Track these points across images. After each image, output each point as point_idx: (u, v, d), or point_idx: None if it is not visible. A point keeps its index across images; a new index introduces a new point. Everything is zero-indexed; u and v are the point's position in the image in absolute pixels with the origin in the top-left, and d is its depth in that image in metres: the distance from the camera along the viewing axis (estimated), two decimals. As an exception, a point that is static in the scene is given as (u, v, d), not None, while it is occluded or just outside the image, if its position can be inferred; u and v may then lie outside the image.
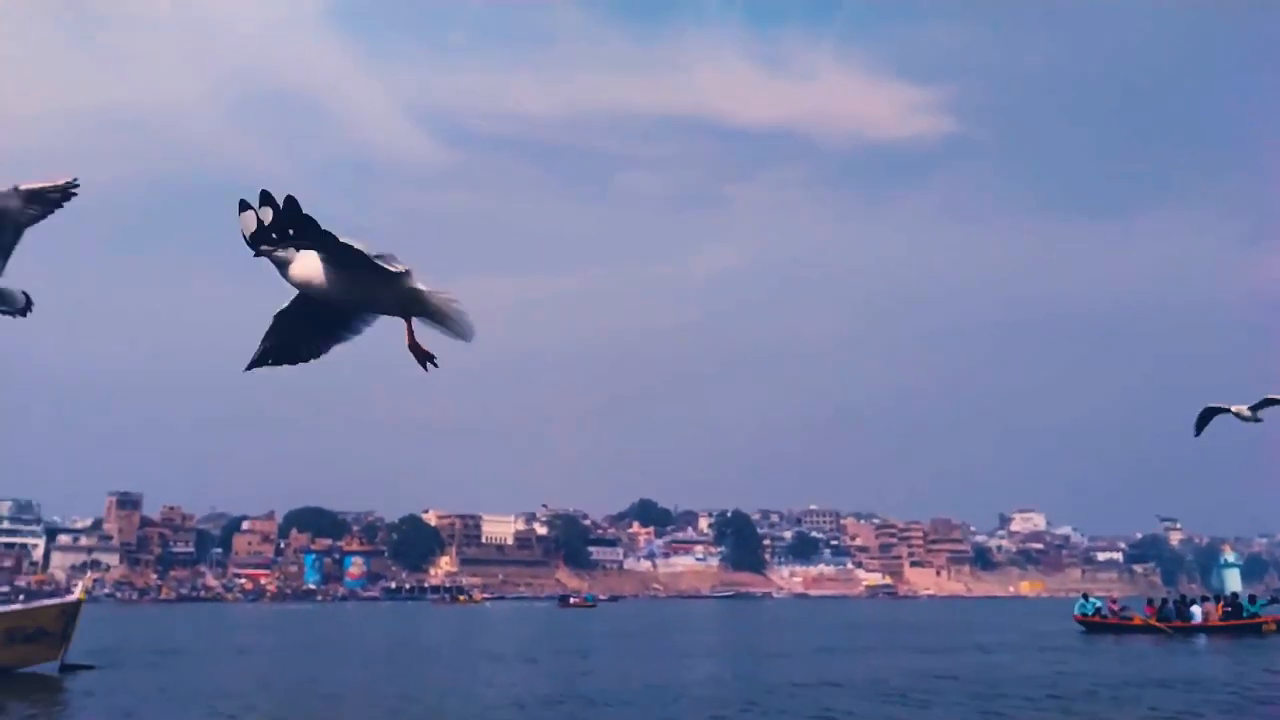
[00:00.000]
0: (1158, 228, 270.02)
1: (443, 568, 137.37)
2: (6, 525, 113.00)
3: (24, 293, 6.12)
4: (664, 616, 55.60)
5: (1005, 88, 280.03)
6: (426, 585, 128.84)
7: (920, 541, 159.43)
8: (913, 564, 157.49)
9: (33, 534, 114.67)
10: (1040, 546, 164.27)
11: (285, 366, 4.55)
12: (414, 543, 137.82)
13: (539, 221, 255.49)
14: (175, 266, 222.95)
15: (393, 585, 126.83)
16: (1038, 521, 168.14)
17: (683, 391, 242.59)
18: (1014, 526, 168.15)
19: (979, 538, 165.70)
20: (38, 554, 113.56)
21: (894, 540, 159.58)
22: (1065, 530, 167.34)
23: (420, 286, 4.34)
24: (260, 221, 3.95)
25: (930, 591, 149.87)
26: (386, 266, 4.09)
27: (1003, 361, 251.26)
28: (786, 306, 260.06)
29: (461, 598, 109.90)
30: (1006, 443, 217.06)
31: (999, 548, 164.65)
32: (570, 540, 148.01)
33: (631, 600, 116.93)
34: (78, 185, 5.65)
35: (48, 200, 5.70)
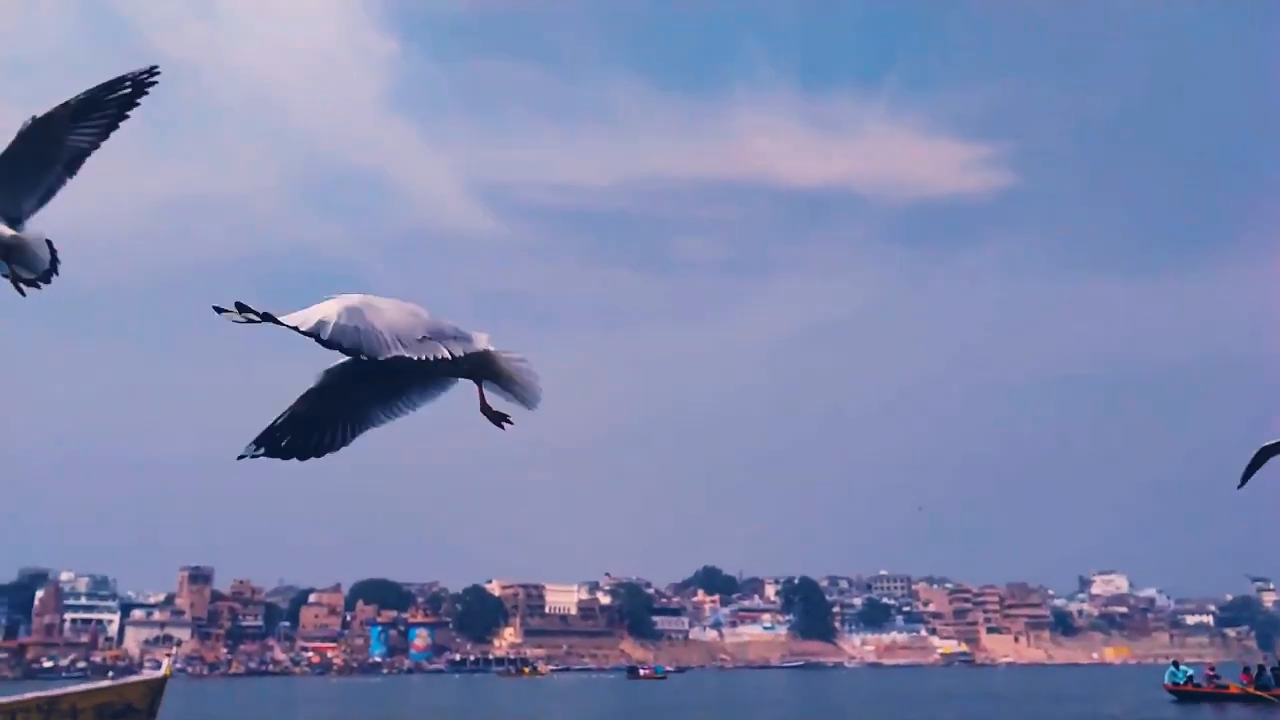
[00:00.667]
0: (1238, 279, 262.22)
1: (507, 639, 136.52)
2: (84, 601, 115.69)
3: (49, 244, 5.64)
4: (736, 689, 54.20)
5: (1062, 142, 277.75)
6: (491, 657, 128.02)
7: (996, 606, 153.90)
8: (989, 630, 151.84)
9: (108, 609, 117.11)
10: (1124, 610, 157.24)
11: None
12: (478, 614, 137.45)
13: (597, 290, 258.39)
14: (246, 346, 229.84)
15: (457, 657, 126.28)
16: (1120, 584, 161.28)
17: (744, 455, 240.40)
18: (1095, 589, 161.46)
19: (1058, 601, 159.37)
20: (113, 629, 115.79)
21: (969, 605, 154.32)
22: (1150, 593, 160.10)
23: (490, 348, 4.36)
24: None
25: (1009, 659, 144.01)
26: (455, 350, 4.04)
27: (1075, 419, 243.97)
28: (846, 367, 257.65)
29: (526, 669, 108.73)
30: (1083, 502, 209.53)
31: (1080, 612, 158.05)
32: (634, 609, 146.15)
33: (699, 671, 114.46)
34: (157, 72, 5.23)
35: (108, 104, 5.24)
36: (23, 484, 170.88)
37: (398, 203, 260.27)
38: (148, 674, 20.00)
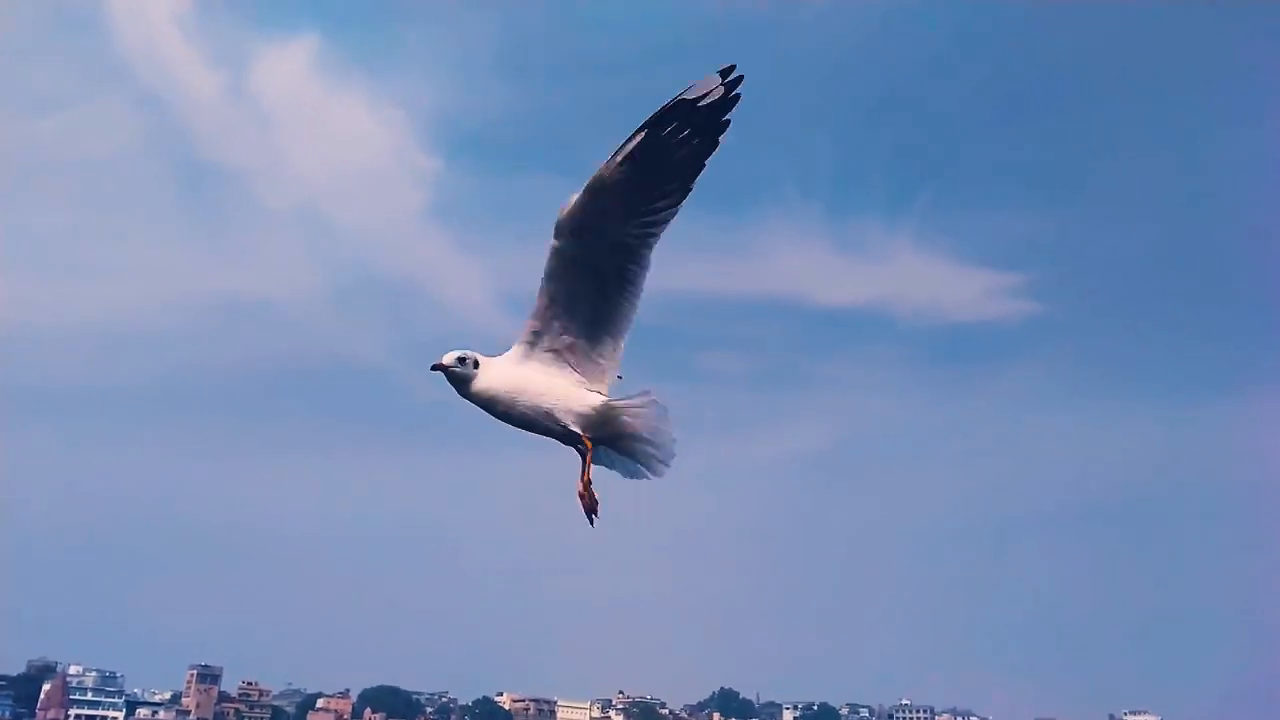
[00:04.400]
0: (1261, 407, 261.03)
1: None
2: (90, 696, 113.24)
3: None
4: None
5: (1091, 271, 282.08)
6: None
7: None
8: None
9: (114, 706, 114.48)
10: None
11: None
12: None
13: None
14: (276, 440, 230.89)
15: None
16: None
17: (765, 575, 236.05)
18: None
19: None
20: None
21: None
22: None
23: (615, 401, 4.35)
24: (700, 98, 4.10)
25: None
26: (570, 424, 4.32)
27: (1103, 549, 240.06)
28: (873, 488, 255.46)
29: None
30: (1112, 637, 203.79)
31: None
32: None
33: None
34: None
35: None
36: (34, 575, 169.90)
37: (433, 310, 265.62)
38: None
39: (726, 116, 4.21)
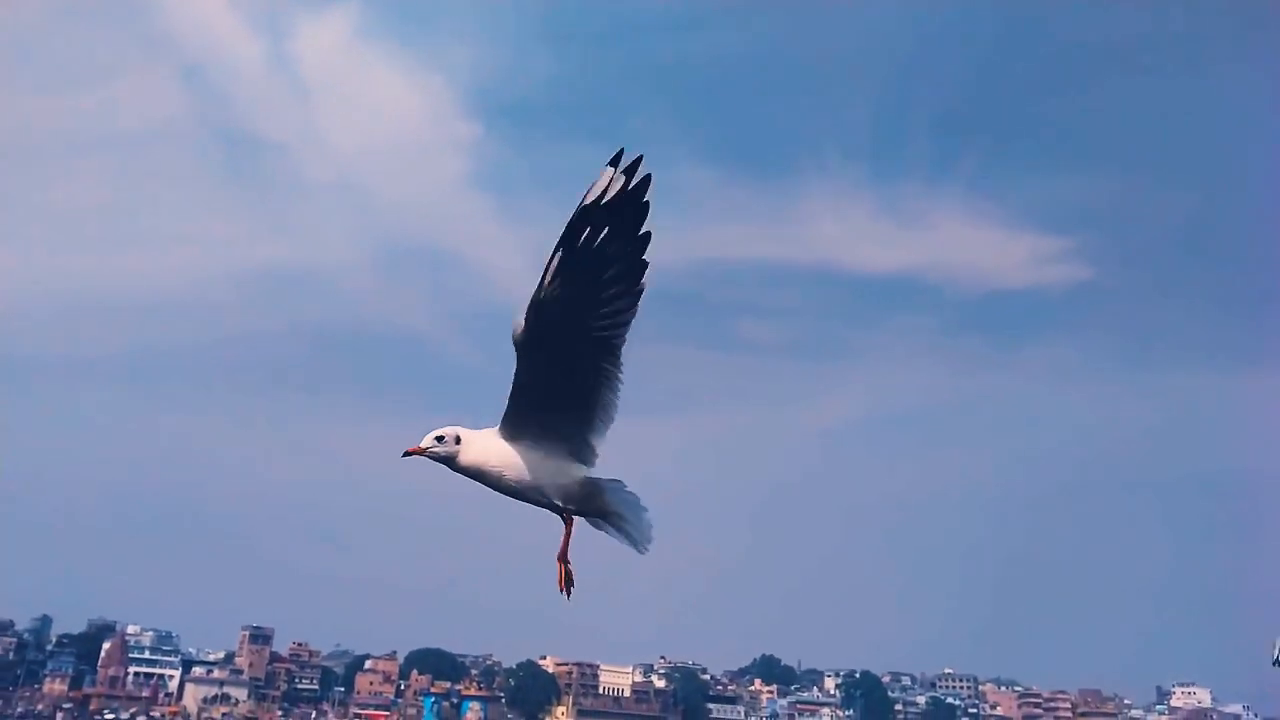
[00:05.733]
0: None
1: (558, 717, 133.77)
2: (148, 655, 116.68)
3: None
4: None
5: (1140, 237, 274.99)
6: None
7: (1069, 713, 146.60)
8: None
9: (170, 664, 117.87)
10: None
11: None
12: (530, 690, 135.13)
13: (662, 370, 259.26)
14: (319, 411, 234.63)
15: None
16: (1202, 697, 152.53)
17: (806, 543, 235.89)
18: (1175, 701, 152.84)
19: (1135, 712, 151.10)
20: (173, 685, 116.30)
21: (1039, 711, 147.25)
22: (1235, 709, 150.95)
23: (599, 478, 4.46)
24: (606, 191, 4.00)
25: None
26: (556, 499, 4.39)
27: (1152, 519, 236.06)
28: (915, 456, 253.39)
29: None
30: (1163, 608, 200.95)
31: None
32: (689, 695, 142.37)
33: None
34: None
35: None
36: (93, 539, 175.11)
37: (473, 279, 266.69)
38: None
39: (643, 200, 4.03)
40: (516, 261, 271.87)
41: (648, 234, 4.11)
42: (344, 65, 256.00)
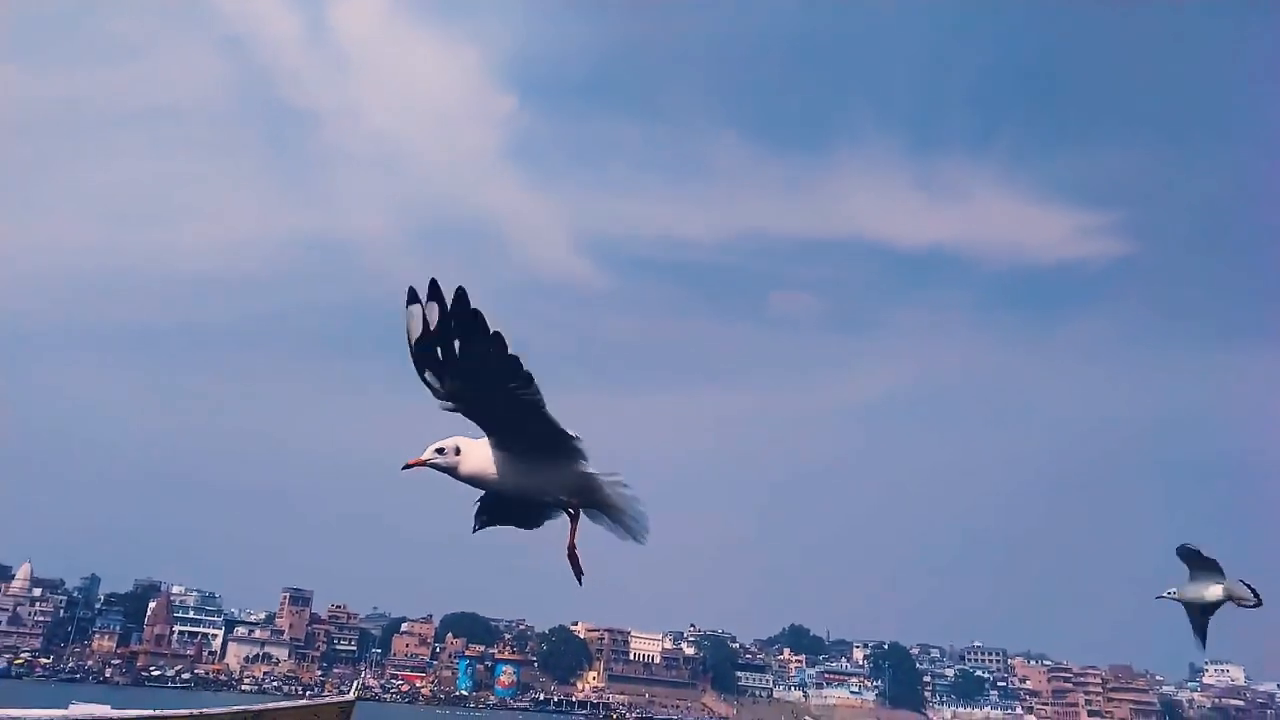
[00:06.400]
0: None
1: (590, 682, 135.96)
2: (192, 615, 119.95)
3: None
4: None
5: (1178, 211, 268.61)
6: (574, 699, 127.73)
7: (1099, 689, 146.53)
8: (1090, 714, 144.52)
9: (213, 624, 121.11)
10: (1240, 704, 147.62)
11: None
12: (562, 654, 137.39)
13: (695, 342, 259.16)
14: (359, 377, 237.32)
15: (541, 697, 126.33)
16: (1235, 675, 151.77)
17: (837, 514, 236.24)
18: (1207, 679, 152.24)
19: (1166, 689, 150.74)
20: (216, 643, 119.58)
21: (1069, 686, 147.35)
22: (1269, 687, 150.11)
23: (594, 472, 4.62)
24: (426, 321, 4.02)
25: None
26: (564, 432, 4.39)
27: (1187, 497, 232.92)
28: (945, 431, 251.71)
29: (613, 716, 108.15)
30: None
31: (1190, 702, 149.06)
32: (718, 663, 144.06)
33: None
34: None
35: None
36: (143, 500, 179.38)
37: (508, 252, 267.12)
38: (339, 697, 20.94)
39: (467, 320, 3.98)
40: (553, 233, 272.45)
41: (498, 333, 4.09)
42: (381, 37, 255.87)
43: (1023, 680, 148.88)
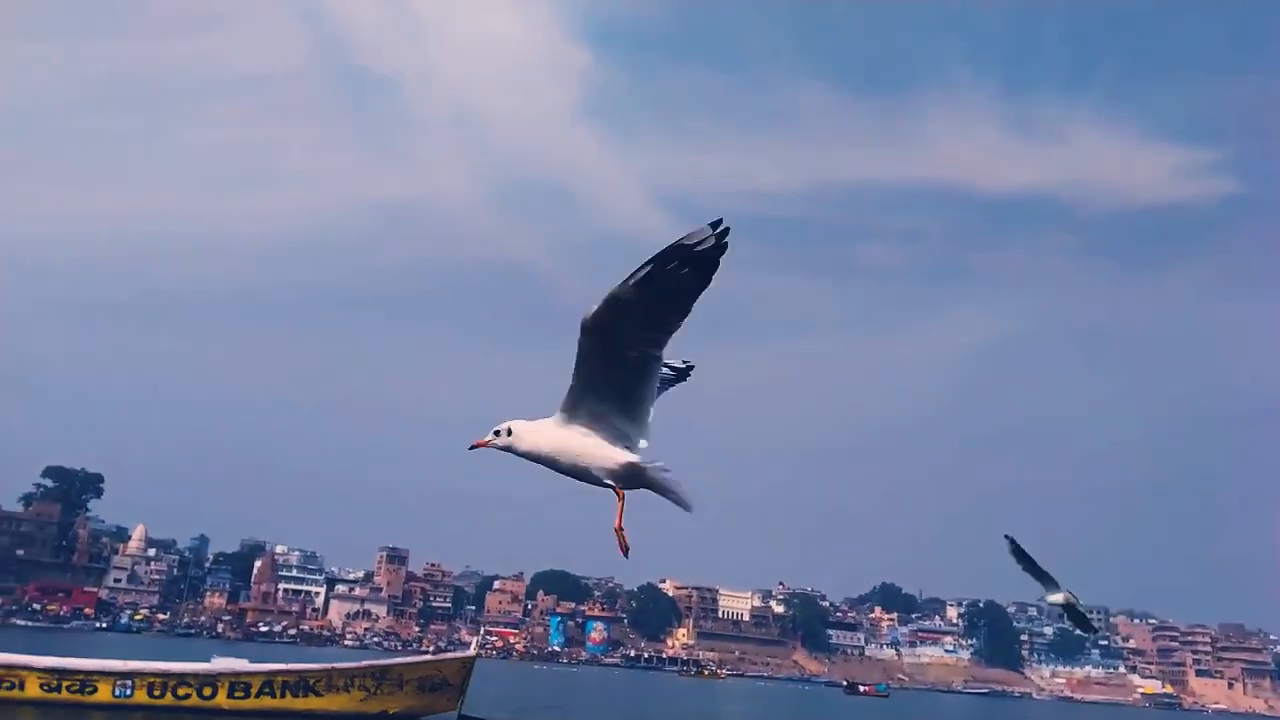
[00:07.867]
0: None
1: (679, 639, 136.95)
2: (295, 573, 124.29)
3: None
4: (956, 712, 51.51)
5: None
6: (664, 655, 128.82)
7: (1208, 648, 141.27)
8: (1199, 673, 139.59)
9: (316, 583, 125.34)
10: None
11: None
12: (651, 612, 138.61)
13: (780, 297, 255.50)
14: (440, 342, 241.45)
15: (632, 653, 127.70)
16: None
17: (927, 469, 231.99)
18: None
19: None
20: (319, 601, 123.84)
21: (1175, 645, 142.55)
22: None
23: (638, 461, 5.00)
24: (694, 246, 4.50)
25: (1220, 706, 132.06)
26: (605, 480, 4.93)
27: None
28: (1042, 380, 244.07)
29: (705, 673, 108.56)
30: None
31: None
32: (808, 621, 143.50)
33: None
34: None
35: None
36: (247, 462, 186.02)
37: (586, 209, 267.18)
38: (460, 653, 20.72)
39: (717, 259, 4.59)
40: (630, 189, 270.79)
41: (706, 284, 4.65)
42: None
43: (1126, 639, 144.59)
